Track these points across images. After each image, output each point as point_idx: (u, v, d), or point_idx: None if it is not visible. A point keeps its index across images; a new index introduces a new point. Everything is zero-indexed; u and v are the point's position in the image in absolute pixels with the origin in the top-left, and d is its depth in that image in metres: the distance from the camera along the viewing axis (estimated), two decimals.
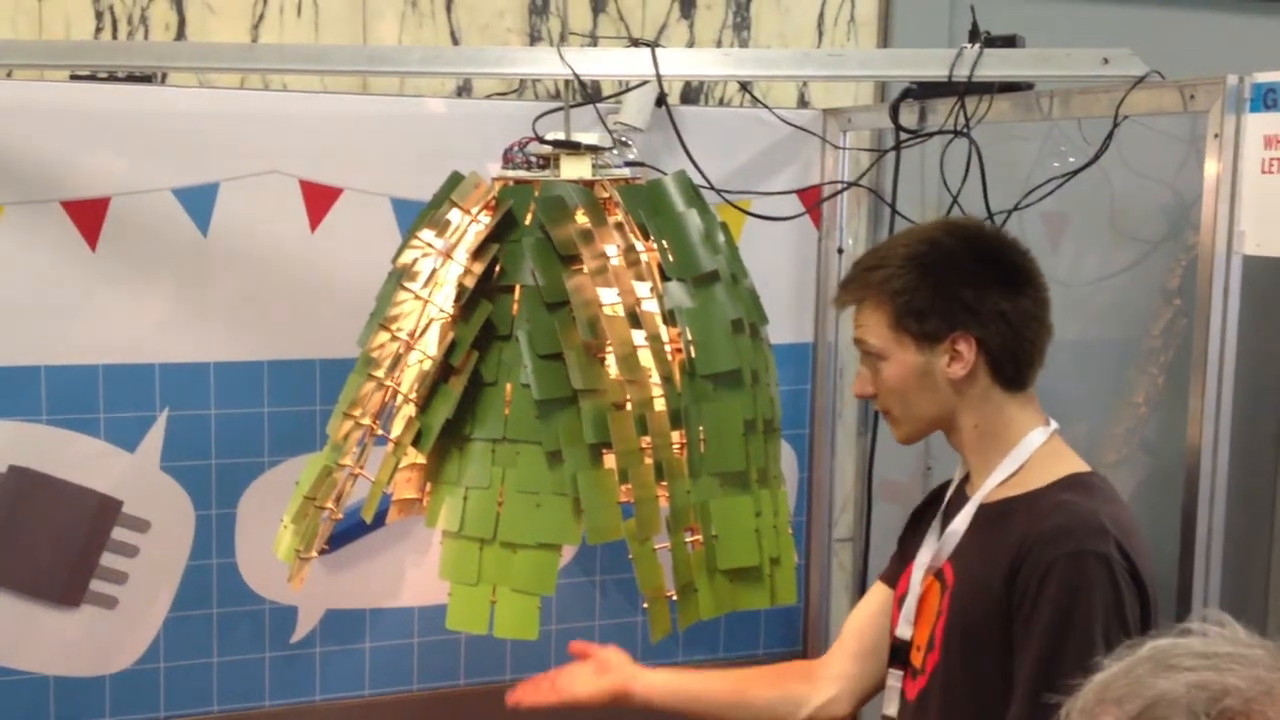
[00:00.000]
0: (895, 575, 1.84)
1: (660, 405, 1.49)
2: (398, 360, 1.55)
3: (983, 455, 1.68)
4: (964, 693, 1.63)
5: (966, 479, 1.75)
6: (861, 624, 1.87)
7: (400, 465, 1.58)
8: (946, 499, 1.76)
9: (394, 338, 1.54)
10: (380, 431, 1.58)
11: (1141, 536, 1.60)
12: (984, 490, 1.67)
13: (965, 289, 1.64)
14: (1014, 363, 1.66)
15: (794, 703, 1.85)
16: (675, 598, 1.53)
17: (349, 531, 2.05)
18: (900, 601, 1.74)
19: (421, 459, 1.59)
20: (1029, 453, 1.66)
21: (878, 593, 1.88)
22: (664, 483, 1.53)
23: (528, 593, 1.52)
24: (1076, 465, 1.67)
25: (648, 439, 1.48)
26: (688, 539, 1.51)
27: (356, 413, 1.56)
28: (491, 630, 1.52)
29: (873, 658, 1.84)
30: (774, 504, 1.61)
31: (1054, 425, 1.70)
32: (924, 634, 1.69)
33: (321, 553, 1.63)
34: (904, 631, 1.71)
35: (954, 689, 1.64)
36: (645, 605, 1.52)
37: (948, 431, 1.71)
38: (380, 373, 1.54)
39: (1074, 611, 1.51)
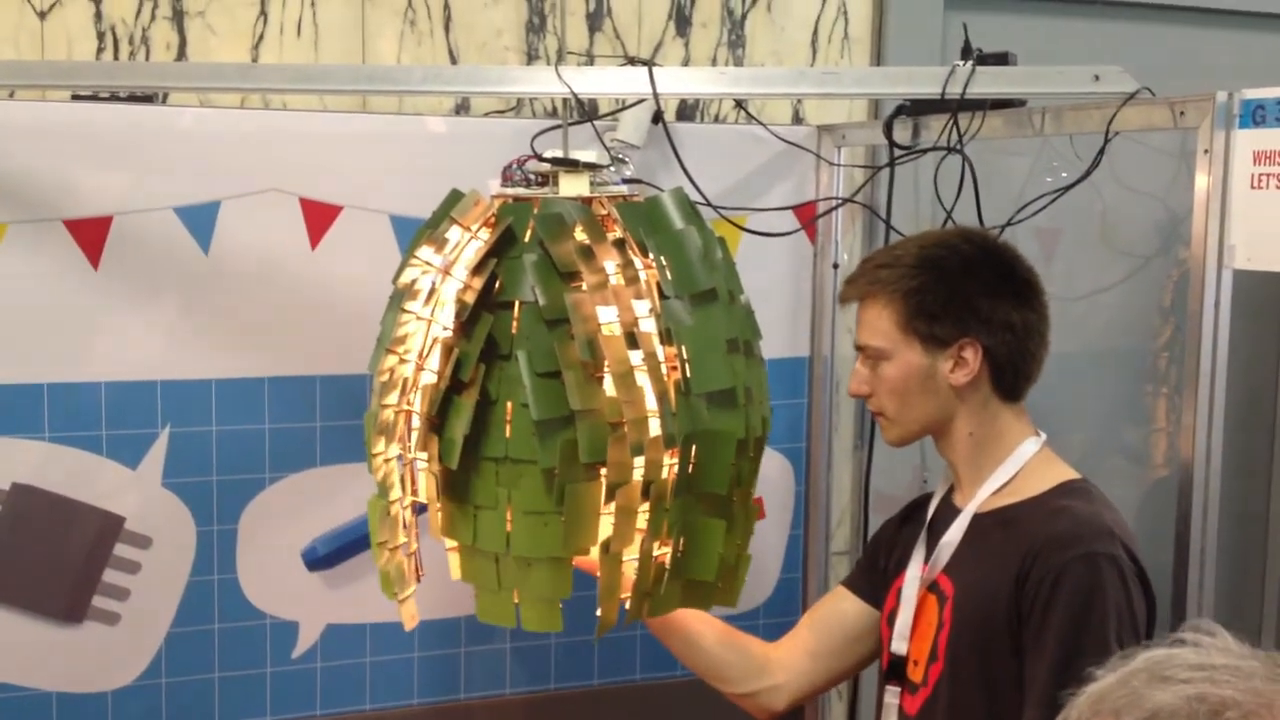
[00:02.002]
0: (867, 587, 1.84)
1: (654, 424, 1.50)
2: (408, 383, 1.56)
3: (974, 464, 1.70)
4: (972, 701, 1.64)
5: (951, 491, 1.76)
6: (822, 624, 1.87)
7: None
8: (931, 512, 1.77)
9: (402, 360, 1.56)
10: (411, 455, 1.60)
11: (1135, 537, 1.62)
12: (977, 500, 1.68)
13: (980, 297, 1.66)
14: (1014, 374, 1.68)
15: (742, 673, 1.85)
16: (628, 600, 1.56)
17: (349, 547, 2.07)
18: (890, 619, 1.75)
19: None
20: (1022, 462, 1.68)
21: (842, 598, 1.88)
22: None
23: (547, 598, 1.54)
24: (1069, 473, 1.69)
25: (640, 459, 1.50)
26: (656, 551, 1.54)
27: (380, 447, 1.57)
28: (520, 624, 1.57)
29: (826, 659, 1.85)
30: (745, 522, 1.64)
31: (1043, 436, 1.71)
32: (921, 648, 1.70)
33: (420, 578, 1.65)
34: (899, 647, 1.72)
35: (961, 698, 1.65)
36: (598, 613, 1.56)
37: (939, 437, 1.72)
38: (392, 398, 1.55)
39: (1089, 614, 1.53)
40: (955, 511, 1.71)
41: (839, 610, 1.87)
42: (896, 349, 1.67)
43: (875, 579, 1.83)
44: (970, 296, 1.66)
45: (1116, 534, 1.57)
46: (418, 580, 1.65)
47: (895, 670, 1.73)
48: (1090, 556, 1.54)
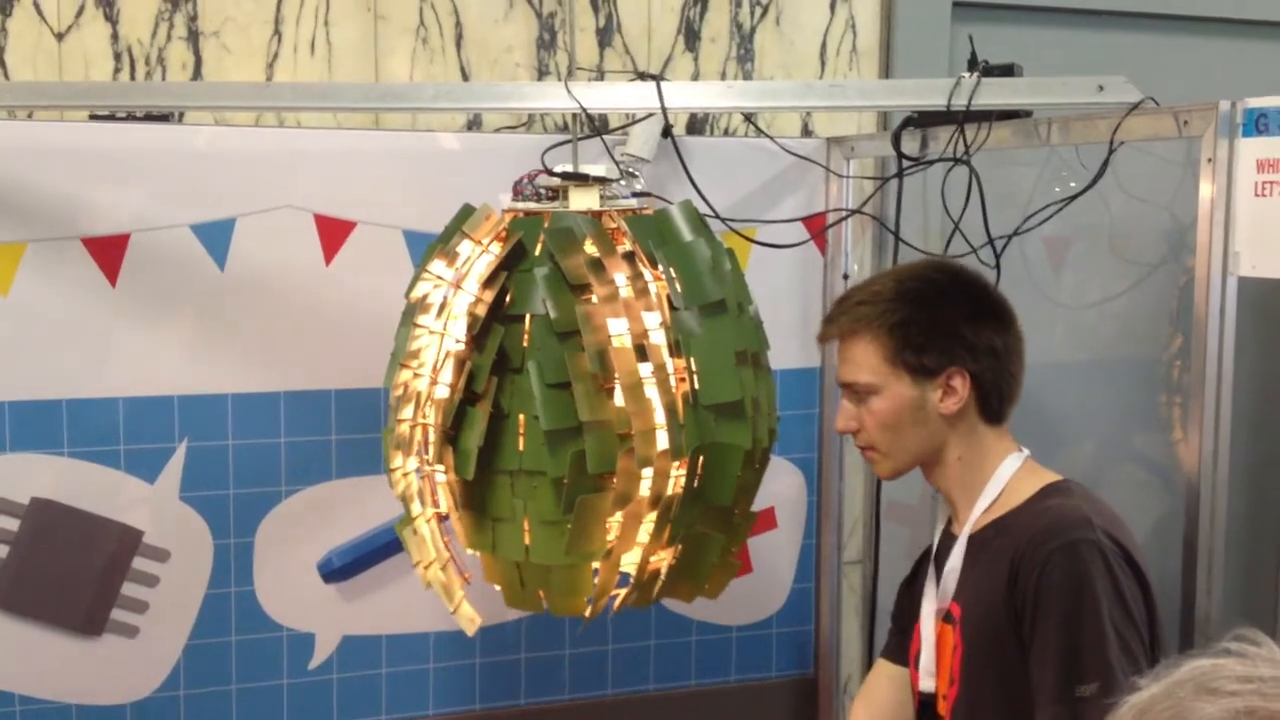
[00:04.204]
0: (899, 647, 1.86)
1: (662, 436, 1.52)
2: (422, 396, 1.58)
3: (964, 487, 1.71)
4: (989, 715, 1.64)
5: (950, 522, 1.77)
6: (873, 702, 1.89)
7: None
8: (935, 547, 1.78)
9: (415, 374, 1.57)
10: (429, 468, 1.62)
11: (1128, 529, 1.63)
12: (970, 522, 1.70)
13: (963, 324, 1.68)
14: (1000, 397, 1.71)
15: None
16: (619, 598, 1.59)
17: (365, 559, 2.09)
18: (916, 660, 1.76)
19: None
20: (1007, 477, 1.69)
21: (882, 670, 1.90)
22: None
23: (569, 594, 1.57)
24: (1051, 476, 1.71)
25: (649, 470, 1.52)
26: (654, 558, 1.56)
27: (399, 463, 1.59)
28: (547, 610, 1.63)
29: None
30: (742, 527, 1.66)
31: (1026, 451, 1.73)
32: (943, 678, 1.70)
33: (467, 582, 1.68)
34: (927, 685, 1.72)
35: (978, 715, 1.65)
36: (587, 613, 1.58)
37: (930, 466, 1.73)
38: (407, 412, 1.57)
39: (1079, 602, 1.54)
40: (955, 540, 1.72)
41: (882, 682, 1.89)
42: (885, 383, 1.69)
43: (906, 640, 1.85)
44: (954, 324, 1.68)
45: (1095, 522, 1.58)
46: (466, 582, 1.66)
47: (926, 709, 1.74)
48: (1069, 545, 1.56)
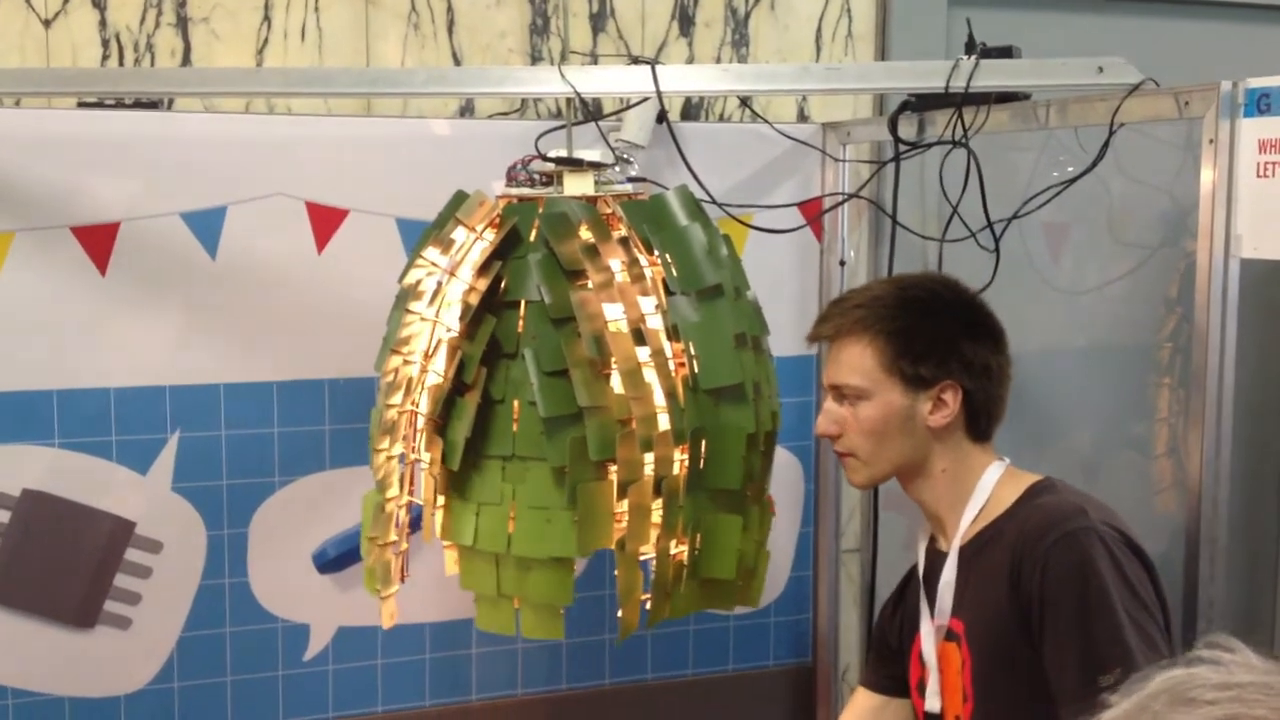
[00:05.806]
0: (886, 680, 1.85)
1: (664, 420, 1.50)
2: (412, 383, 1.57)
3: (950, 501, 1.70)
4: None
5: (934, 540, 1.75)
6: None
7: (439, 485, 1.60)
8: (922, 568, 1.76)
9: (406, 361, 1.56)
10: (414, 455, 1.60)
11: (1120, 516, 1.61)
12: (959, 534, 1.68)
13: (962, 340, 1.67)
14: (987, 417, 1.70)
15: None
16: (649, 601, 1.55)
17: (359, 549, 2.07)
18: (920, 687, 1.73)
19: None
20: (991, 487, 1.68)
21: (861, 697, 1.89)
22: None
23: (548, 604, 1.54)
24: (1033, 478, 1.70)
25: (651, 455, 1.50)
26: (673, 549, 1.54)
27: (384, 445, 1.57)
28: (519, 631, 1.57)
29: None
30: (761, 519, 1.64)
31: (1006, 460, 1.71)
32: (953, 699, 1.68)
33: (404, 579, 1.67)
34: (933, 705, 1.70)
35: None
36: (619, 614, 1.56)
37: (912, 478, 1.71)
38: (397, 398, 1.56)
39: (1087, 590, 1.52)
40: (944, 556, 1.70)
41: (862, 711, 1.87)
42: (877, 389, 1.66)
43: (890, 667, 1.83)
44: (954, 338, 1.67)
45: (1089, 511, 1.57)
46: (402, 580, 1.65)
47: None
48: (1068, 536, 1.54)
